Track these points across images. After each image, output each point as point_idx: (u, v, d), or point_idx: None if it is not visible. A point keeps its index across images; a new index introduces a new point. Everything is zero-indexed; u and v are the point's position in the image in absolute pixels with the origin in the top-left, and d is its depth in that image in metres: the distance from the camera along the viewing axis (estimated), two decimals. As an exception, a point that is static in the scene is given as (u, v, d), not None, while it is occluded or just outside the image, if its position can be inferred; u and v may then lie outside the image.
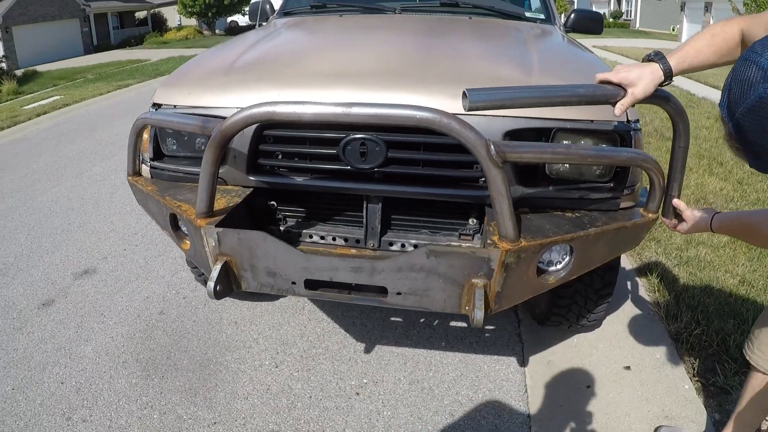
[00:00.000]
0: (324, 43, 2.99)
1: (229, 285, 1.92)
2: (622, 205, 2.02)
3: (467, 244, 2.16)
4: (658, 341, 2.94)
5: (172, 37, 35.01)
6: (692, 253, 3.82)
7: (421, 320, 3.23)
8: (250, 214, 2.21)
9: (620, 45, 21.49)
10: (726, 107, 1.12)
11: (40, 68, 22.32)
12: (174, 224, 2.16)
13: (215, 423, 2.52)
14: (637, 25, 42.16)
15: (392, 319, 3.25)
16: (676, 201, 1.90)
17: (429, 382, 2.74)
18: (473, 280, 1.72)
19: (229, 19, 39.30)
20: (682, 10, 32.05)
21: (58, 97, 12.85)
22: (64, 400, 2.71)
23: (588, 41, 20.93)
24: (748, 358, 1.97)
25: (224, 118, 1.78)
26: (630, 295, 3.39)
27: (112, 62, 21.70)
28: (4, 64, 20.94)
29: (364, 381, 2.77)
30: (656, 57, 1.64)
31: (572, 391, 2.65)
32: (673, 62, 1.60)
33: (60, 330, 3.28)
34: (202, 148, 2.20)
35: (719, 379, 2.61)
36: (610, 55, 17.96)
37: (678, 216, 1.91)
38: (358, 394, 2.68)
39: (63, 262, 4.18)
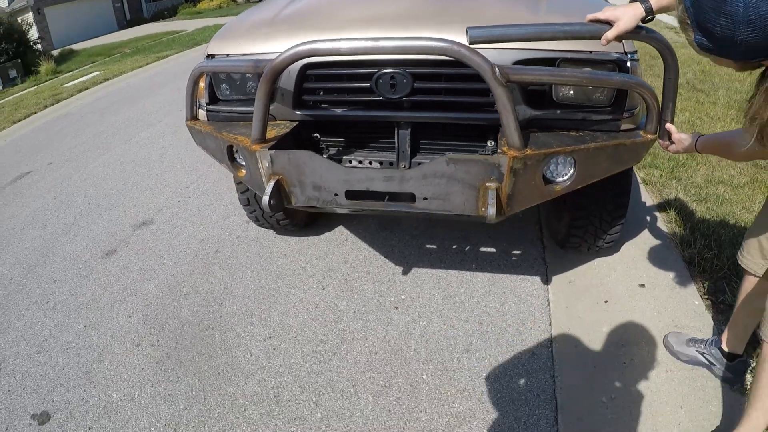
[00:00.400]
0: None
1: (281, 200, 2.24)
2: (623, 126, 2.26)
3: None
4: (672, 264, 3.17)
5: (205, 6, 35.06)
6: (711, 190, 4.00)
7: (454, 246, 3.52)
8: (296, 146, 2.51)
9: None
10: None
11: (76, 47, 22.67)
12: (230, 156, 2.48)
13: (270, 337, 2.87)
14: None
15: (427, 246, 3.56)
16: (668, 125, 2.13)
17: (460, 297, 3.05)
18: (487, 184, 2.00)
19: (262, -16, 39.18)
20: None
21: (97, 73, 13.18)
22: (132, 331, 3.07)
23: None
24: (740, 262, 2.22)
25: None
26: (648, 226, 3.61)
27: (147, 35, 21.95)
28: (39, 46, 21.33)
29: (402, 297, 3.09)
30: None
31: (591, 305, 2.92)
32: (653, 1, 1.84)
33: (124, 274, 3.65)
34: (253, 90, 2.52)
35: (728, 297, 2.81)
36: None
37: (670, 138, 2.16)
38: (396, 308, 3.01)
39: (121, 217, 4.53)
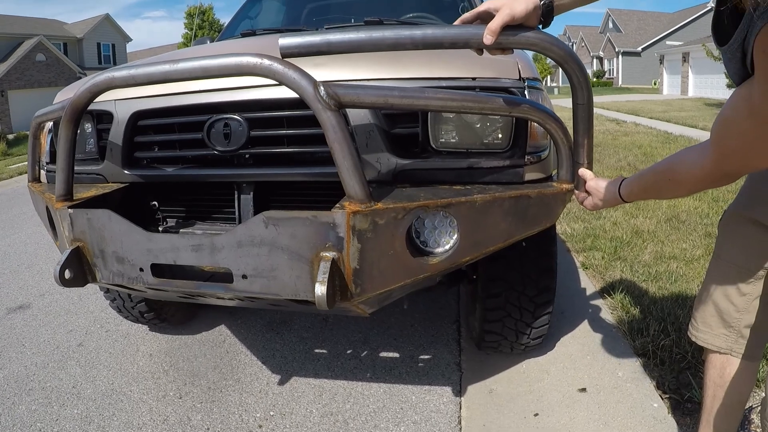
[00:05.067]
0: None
1: (83, 275, 1.72)
2: (528, 176, 1.73)
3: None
4: (620, 359, 2.63)
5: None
6: (662, 267, 3.61)
7: (348, 351, 2.96)
8: (129, 217, 1.99)
9: (602, 101, 23.12)
10: None
11: (32, 133, 22.94)
12: (50, 219, 1.95)
13: (102, 452, 2.24)
14: (620, 83, 45.29)
15: (316, 351, 3.00)
16: (581, 170, 1.62)
17: (344, 415, 2.44)
18: (322, 253, 1.43)
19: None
20: (661, 63, 32.91)
21: (46, 159, 13.21)
22: (-42, 422, 2.52)
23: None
24: (694, 339, 1.70)
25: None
26: (589, 316, 3.09)
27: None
28: (-4, 126, 21.45)
29: (271, 413, 2.48)
30: None
31: (516, 420, 2.31)
32: None
33: (-23, 358, 3.16)
34: (93, 149, 2.07)
35: (696, 393, 2.24)
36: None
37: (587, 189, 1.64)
38: (260, 426, 2.39)
39: (1, 298, 4.16)
